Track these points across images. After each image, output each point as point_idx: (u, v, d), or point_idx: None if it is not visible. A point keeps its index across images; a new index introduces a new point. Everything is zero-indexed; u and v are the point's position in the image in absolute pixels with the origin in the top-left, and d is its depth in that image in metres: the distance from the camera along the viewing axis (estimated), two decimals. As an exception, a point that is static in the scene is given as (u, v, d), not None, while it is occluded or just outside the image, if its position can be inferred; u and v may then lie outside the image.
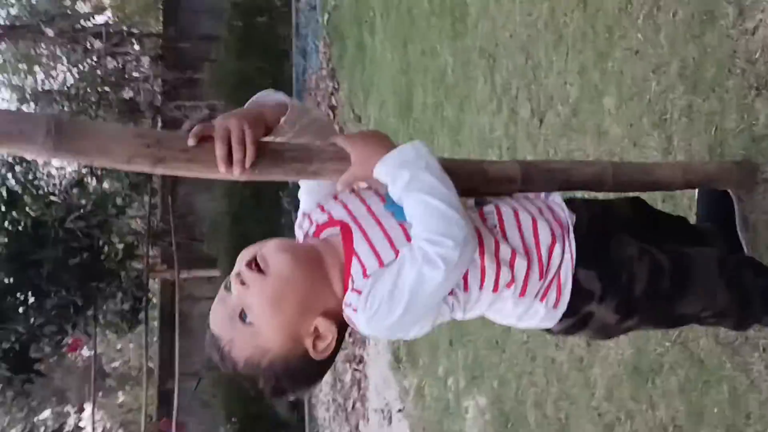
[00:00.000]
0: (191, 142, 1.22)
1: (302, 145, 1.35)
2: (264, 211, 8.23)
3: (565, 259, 1.41)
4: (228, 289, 1.34)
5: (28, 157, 1.16)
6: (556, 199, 1.51)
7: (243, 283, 1.30)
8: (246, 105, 1.38)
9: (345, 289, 1.33)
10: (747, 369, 1.93)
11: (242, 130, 1.23)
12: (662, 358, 2.27)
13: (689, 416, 2.17)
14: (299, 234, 1.48)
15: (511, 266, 1.37)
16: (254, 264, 1.30)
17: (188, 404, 8.86)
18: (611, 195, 1.73)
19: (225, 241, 8.44)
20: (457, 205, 1.26)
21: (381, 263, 1.29)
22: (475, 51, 3.73)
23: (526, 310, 1.43)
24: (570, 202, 1.53)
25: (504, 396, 3.35)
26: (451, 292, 1.33)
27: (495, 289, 1.37)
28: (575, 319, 1.45)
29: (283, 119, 1.34)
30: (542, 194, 1.53)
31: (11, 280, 6.96)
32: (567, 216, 1.46)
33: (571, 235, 1.43)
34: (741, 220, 1.91)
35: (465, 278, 1.34)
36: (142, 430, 8.51)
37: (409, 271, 1.24)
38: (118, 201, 7.91)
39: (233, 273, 1.33)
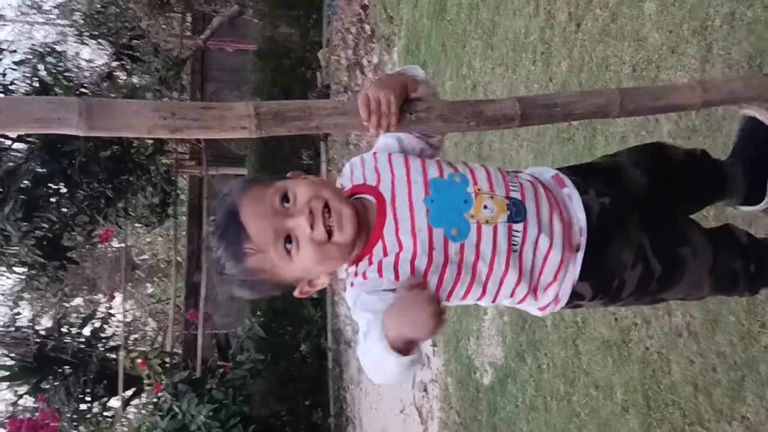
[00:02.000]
0: (363, 114, 1.39)
1: (303, 104, 1.44)
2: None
3: (563, 288, 1.48)
4: (283, 203, 1.38)
5: (67, 133, 1.33)
6: (579, 210, 1.51)
7: (311, 226, 1.35)
8: (396, 72, 1.52)
9: (359, 258, 1.41)
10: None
11: (389, 102, 1.38)
12: (683, 266, 2.30)
13: (704, 323, 2.22)
14: (346, 173, 1.53)
15: (513, 289, 1.46)
16: (328, 218, 1.36)
17: (215, 297, 9.13)
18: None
19: (252, 140, 8.47)
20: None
21: (397, 274, 1.37)
22: (515, -49, 3.62)
23: (524, 308, 1.56)
24: (585, 193, 1.53)
25: (523, 299, 3.42)
26: (448, 299, 1.43)
27: (494, 301, 1.49)
28: (566, 307, 1.56)
29: (415, 95, 1.45)
30: (565, 192, 1.54)
31: (44, 170, 7.06)
32: (580, 236, 1.49)
33: (578, 257, 1.48)
34: None
35: (466, 293, 1.44)
36: (170, 319, 8.82)
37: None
38: (148, 96, 7.92)
39: (304, 200, 1.37)
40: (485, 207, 1.41)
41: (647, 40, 2.50)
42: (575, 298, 1.51)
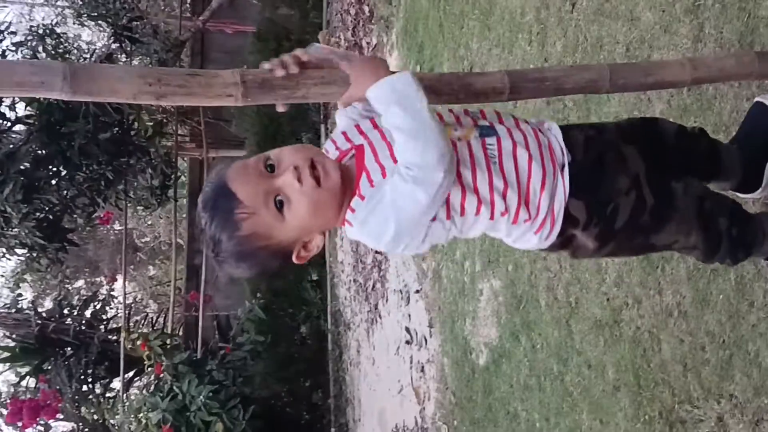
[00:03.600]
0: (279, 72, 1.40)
1: (289, 74, 1.44)
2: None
3: (557, 199, 1.50)
4: (269, 169, 1.42)
5: (51, 97, 1.37)
6: (558, 136, 1.55)
7: (299, 179, 1.39)
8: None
9: (350, 204, 1.46)
10: (755, 258, 1.96)
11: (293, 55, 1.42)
12: (673, 246, 2.30)
13: (694, 302, 2.22)
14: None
15: (504, 197, 1.46)
16: (313, 171, 1.41)
17: (215, 279, 9.16)
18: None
19: (252, 123, 8.47)
20: (422, 132, 1.35)
21: (384, 174, 1.43)
22: (511, -70, 3.60)
23: (520, 236, 1.55)
24: (569, 131, 1.57)
25: (517, 280, 3.44)
26: (448, 216, 1.44)
27: (491, 216, 1.48)
28: (559, 240, 1.56)
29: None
30: (545, 125, 1.58)
31: (43, 151, 7.06)
32: (563, 155, 1.52)
33: (565, 172, 1.50)
34: None
35: (462, 204, 1.45)
36: (171, 301, 8.85)
37: (395, 188, 1.38)
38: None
39: (288, 161, 1.42)
40: (455, 130, 1.48)
41: (640, 19, 2.50)
42: (569, 223, 1.52)
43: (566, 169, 1.51)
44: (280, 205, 1.40)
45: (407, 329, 5.26)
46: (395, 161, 1.41)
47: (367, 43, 6.38)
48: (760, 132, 1.91)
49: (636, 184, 1.54)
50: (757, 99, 1.93)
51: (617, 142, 1.61)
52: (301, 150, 1.46)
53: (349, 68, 1.45)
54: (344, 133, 1.55)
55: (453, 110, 1.54)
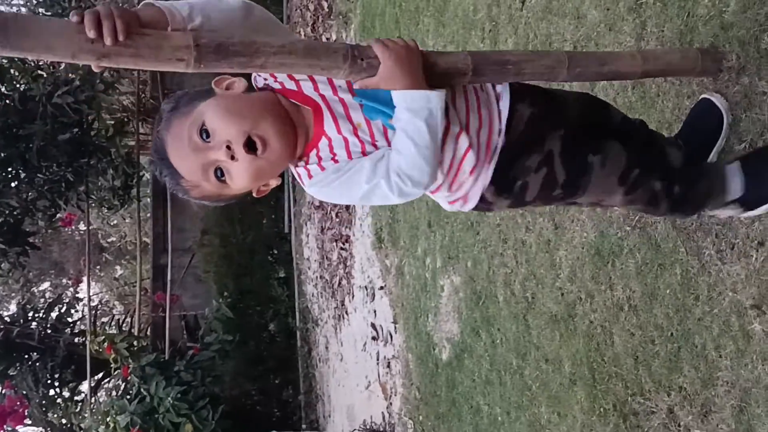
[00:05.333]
0: (91, 34, 1.21)
1: (247, 40, 1.35)
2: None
3: (475, 187, 1.56)
4: (204, 135, 1.40)
5: None
6: (503, 110, 1.55)
7: (233, 157, 1.39)
8: None
9: (304, 155, 1.48)
10: (699, 253, 2.00)
11: (110, 10, 1.24)
12: (622, 241, 2.34)
13: (643, 297, 2.26)
14: (259, 81, 1.53)
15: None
16: (248, 144, 1.39)
17: (182, 279, 9.10)
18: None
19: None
20: (432, 156, 1.41)
21: (349, 156, 1.46)
22: (463, -73, 3.60)
23: (437, 199, 1.66)
24: (520, 102, 1.57)
25: (477, 275, 3.46)
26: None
27: None
28: (475, 209, 1.64)
29: (170, 28, 1.35)
30: (498, 89, 1.58)
31: (1, 154, 6.94)
32: (499, 139, 1.54)
33: (493, 161, 1.54)
34: (719, 147, 1.93)
35: None
36: (137, 302, 8.77)
37: (372, 180, 1.44)
38: (106, 76, 7.78)
39: (222, 135, 1.39)
40: None
41: (586, 17, 2.52)
42: (481, 201, 1.59)
43: (496, 156, 1.54)
44: (221, 174, 1.43)
45: (373, 325, 5.28)
46: (364, 152, 1.44)
47: (327, 38, 6.36)
48: (703, 128, 1.95)
49: (548, 161, 1.56)
50: (703, 96, 1.96)
51: (555, 128, 1.59)
52: (236, 120, 1.40)
53: (383, 55, 1.39)
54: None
55: None
